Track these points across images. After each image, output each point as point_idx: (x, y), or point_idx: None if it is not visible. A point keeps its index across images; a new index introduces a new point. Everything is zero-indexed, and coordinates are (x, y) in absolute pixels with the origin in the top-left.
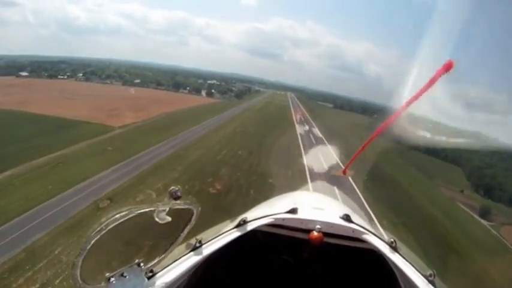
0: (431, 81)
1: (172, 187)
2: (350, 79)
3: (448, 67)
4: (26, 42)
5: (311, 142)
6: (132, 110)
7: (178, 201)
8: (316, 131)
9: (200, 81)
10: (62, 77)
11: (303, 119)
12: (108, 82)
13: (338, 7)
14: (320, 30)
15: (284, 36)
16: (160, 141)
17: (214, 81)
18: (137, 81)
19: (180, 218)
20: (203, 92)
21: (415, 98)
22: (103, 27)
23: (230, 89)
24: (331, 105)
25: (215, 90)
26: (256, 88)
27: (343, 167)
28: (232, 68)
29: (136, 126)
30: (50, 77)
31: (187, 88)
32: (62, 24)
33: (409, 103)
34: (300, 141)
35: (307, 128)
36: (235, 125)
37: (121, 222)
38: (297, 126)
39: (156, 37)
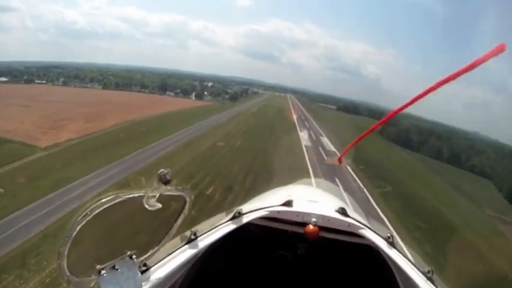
0: (469, 67)
1: (162, 170)
2: (349, 80)
3: (499, 50)
4: (25, 47)
5: (323, 162)
6: (86, 119)
7: (169, 187)
8: (326, 141)
9: (195, 83)
10: (39, 81)
11: (307, 125)
12: (89, 86)
13: (335, 8)
14: (317, 32)
15: (282, 38)
16: (88, 172)
17: (210, 83)
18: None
19: (171, 206)
20: (193, 95)
21: (430, 91)
22: (101, 31)
23: (225, 90)
24: (334, 107)
25: (208, 92)
26: (255, 90)
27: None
28: (232, 71)
29: (69, 146)
30: (27, 82)
31: (177, 90)
32: (60, 29)
33: (419, 97)
34: (308, 160)
35: (313, 137)
36: (219, 136)
37: (107, 208)
38: (300, 134)
39: (155, 41)
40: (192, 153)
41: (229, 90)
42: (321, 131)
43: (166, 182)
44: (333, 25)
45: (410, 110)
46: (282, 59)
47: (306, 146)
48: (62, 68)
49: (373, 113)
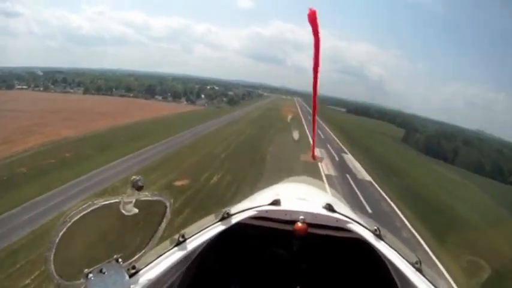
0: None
1: (134, 176)
2: (353, 82)
3: (311, 16)
4: (34, 53)
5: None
6: (6, 138)
7: (145, 193)
8: (354, 163)
9: (197, 86)
10: (20, 87)
11: (322, 136)
12: (71, 91)
13: (338, 9)
14: (321, 33)
15: (285, 40)
16: None
17: (213, 86)
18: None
19: (152, 211)
20: (184, 99)
21: (316, 66)
22: (107, 36)
23: (224, 93)
24: (343, 110)
25: (205, 95)
26: (259, 92)
27: None
28: (237, 75)
29: None
30: (8, 87)
31: (165, 94)
32: (66, 34)
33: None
34: None
35: (336, 158)
36: (186, 165)
37: (85, 215)
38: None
39: (160, 45)
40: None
41: (229, 93)
42: (341, 144)
43: (139, 188)
44: (336, 26)
45: (415, 110)
46: (286, 61)
47: (324, 175)
48: (65, 73)
49: (384, 115)
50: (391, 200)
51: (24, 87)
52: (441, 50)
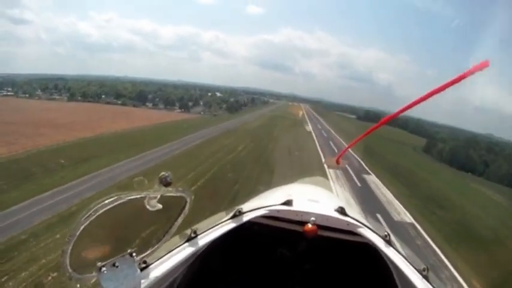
0: (455, 81)
1: (163, 173)
2: (361, 88)
3: (484, 65)
4: (39, 60)
5: None
6: None
7: (169, 188)
8: (382, 190)
9: (198, 93)
10: (7, 93)
11: (335, 149)
12: (57, 97)
13: (346, 15)
14: (329, 40)
15: (294, 47)
16: None
17: (214, 93)
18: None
19: (172, 206)
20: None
21: (425, 98)
22: (115, 44)
23: (226, 100)
24: (353, 116)
25: (204, 102)
26: (265, 99)
27: None
28: (246, 83)
29: None
30: None
31: (156, 101)
32: (74, 42)
33: (416, 103)
34: None
35: (357, 182)
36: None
37: (110, 208)
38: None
39: (168, 53)
40: None
41: (231, 100)
42: (364, 164)
43: (167, 184)
44: (344, 32)
45: (422, 114)
46: (294, 68)
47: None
48: (66, 80)
49: (394, 120)
50: (456, 270)
51: (10, 93)
52: (449, 54)
